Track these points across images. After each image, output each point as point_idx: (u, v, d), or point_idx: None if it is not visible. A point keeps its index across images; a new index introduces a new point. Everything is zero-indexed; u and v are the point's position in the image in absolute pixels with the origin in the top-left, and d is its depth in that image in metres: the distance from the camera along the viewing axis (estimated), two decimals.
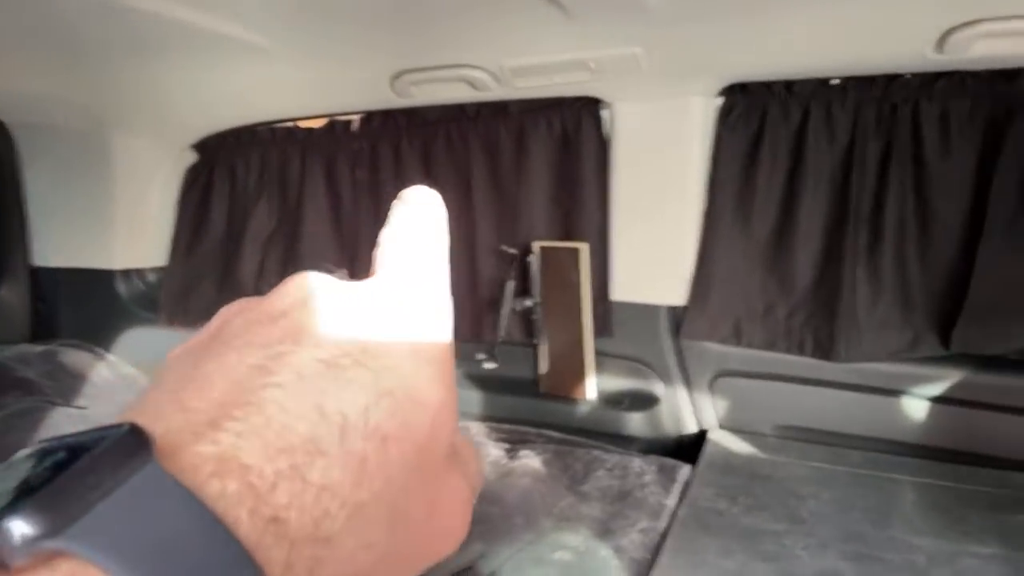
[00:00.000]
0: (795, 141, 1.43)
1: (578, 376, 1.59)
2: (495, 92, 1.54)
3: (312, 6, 1.23)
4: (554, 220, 1.62)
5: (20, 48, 1.38)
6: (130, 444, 0.16)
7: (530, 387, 1.67)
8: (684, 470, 1.39)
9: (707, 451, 1.46)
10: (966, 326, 1.34)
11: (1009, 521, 1.09)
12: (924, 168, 1.34)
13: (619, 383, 1.61)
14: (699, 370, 1.56)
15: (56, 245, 2.05)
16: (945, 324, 1.36)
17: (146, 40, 1.34)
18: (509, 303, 1.56)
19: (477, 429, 1.59)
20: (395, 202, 0.26)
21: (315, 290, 0.22)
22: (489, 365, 1.58)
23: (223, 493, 0.16)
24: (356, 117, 1.80)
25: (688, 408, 1.59)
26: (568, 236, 1.60)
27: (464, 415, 1.68)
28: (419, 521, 0.20)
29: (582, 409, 1.62)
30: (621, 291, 1.58)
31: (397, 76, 1.49)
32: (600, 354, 1.60)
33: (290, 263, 1.88)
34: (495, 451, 1.44)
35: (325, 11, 1.24)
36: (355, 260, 1.81)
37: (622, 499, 1.24)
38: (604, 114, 1.54)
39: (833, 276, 1.42)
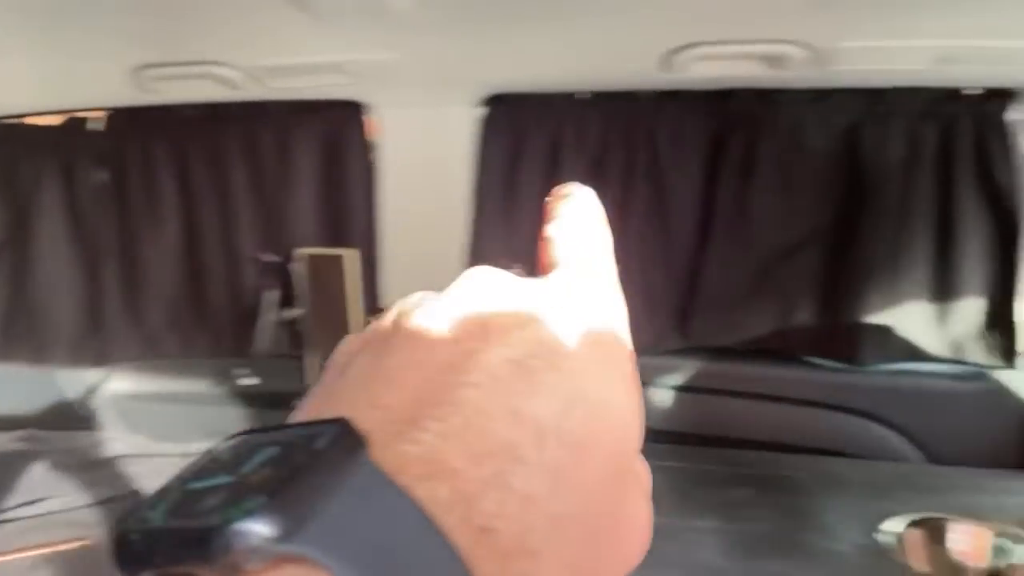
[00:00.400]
0: (551, 153, 1.50)
1: None
2: (253, 92, 1.46)
3: None
4: (321, 226, 1.57)
5: None
6: (347, 442, 0.15)
7: (300, 402, 1.60)
8: None
9: None
10: (701, 322, 1.48)
11: (728, 496, 1.21)
12: (662, 179, 1.47)
13: None
14: None
15: None
16: (684, 320, 1.49)
17: None
18: (270, 314, 1.48)
19: None
20: (550, 198, 0.25)
21: (496, 286, 0.20)
22: (248, 381, 1.49)
23: (435, 498, 0.15)
24: (100, 114, 1.63)
25: None
26: (337, 242, 1.56)
27: (225, 436, 1.56)
28: (609, 537, 0.18)
29: None
30: (393, 299, 1.56)
31: (139, 70, 1.37)
32: None
33: (20, 279, 1.66)
34: None
35: None
36: (97, 269, 1.64)
37: None
38: (371, 118, 1.53)
39: None
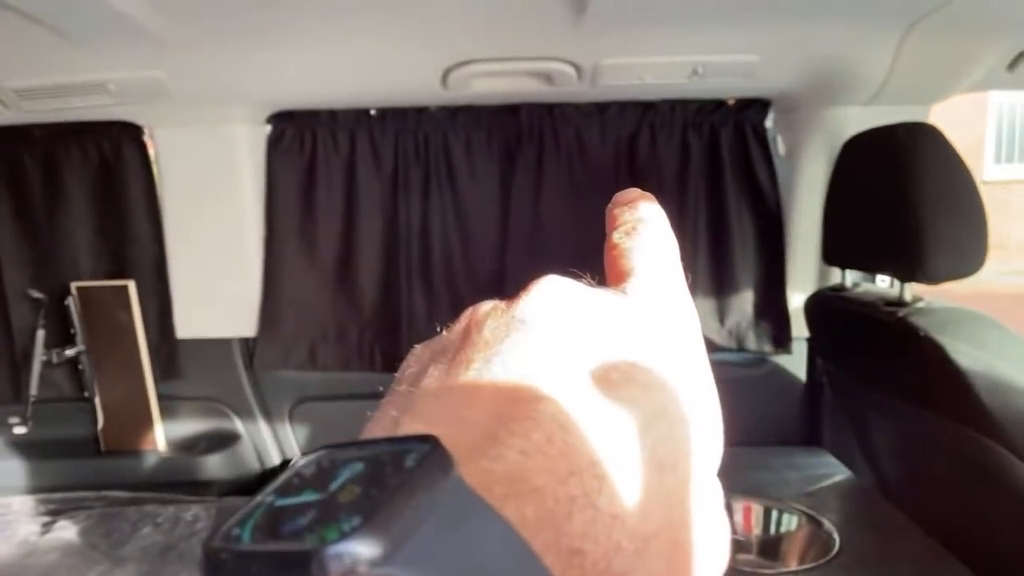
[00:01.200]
0: (347, 168, 1.48)
1: (144, 426, 1.46)
2: (11, 115, 1.35)
3: None
4: (101, 257, 1.47)
5: None
6: (438, 461, 0.14)
7: (90, 445, 1.49)
8: None
9: None
10: None
11: None
12: (458, 190, 1.49)
13: (193, 426, 1.52)
14: (278, 400, 1.53)
15: None
16: None
17: None
18: (39, 355, 1.37)
19: (20, 504, 1.36)
20: (612, 206, 0.24)
21: (569, 296, 0.20)
22: (19, 430, 1.36)
23: (523, 519, 0.15)
24: None
25: (271, 441, 1.56)
26: (121, 273, 1.46)
27: (6, 489, 1.43)
28: (691, 554, 0.18)
29: (151, 461, 1.48)
30: (187, 328, 1.49)
31: None
32: (169, 398, 1.49)
33: None
34: (26, 528, 1.24)
35: None
36: None
37: (164, 555, 1.15)
38: (149, 140, 1.44)
39: (393, 293, 1.50)
